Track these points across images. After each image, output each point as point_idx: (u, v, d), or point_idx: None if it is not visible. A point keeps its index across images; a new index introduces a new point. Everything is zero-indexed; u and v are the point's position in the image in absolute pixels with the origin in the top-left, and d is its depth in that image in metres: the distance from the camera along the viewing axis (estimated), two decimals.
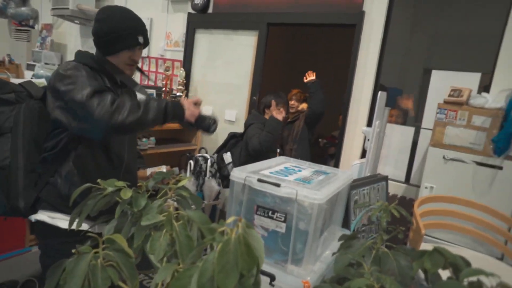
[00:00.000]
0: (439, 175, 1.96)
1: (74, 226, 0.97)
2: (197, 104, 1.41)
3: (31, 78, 3.90)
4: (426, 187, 1.99)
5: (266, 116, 2.65)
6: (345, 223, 1.61)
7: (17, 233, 2.30)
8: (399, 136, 2.63)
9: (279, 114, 2.49)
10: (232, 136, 2.83)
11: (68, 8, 4.34)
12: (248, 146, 2.49)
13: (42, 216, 1.37)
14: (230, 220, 0.61)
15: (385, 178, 1.82)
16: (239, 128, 3.46)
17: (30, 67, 4.83)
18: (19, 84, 1.43)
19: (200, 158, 3.16)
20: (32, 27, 5.43)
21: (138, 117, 1.27)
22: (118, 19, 1.43)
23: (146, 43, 1.51)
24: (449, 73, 2.37)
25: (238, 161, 2.65)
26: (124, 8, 1.49)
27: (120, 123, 1.24)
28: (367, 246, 1.03)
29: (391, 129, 2.60)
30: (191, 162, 3.13)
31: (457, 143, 1.90)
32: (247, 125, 2.66)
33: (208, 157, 3.18)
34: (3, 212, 1.37)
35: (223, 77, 3.59)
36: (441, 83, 2.37)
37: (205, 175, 3.11)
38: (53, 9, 4.56)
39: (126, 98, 1.33)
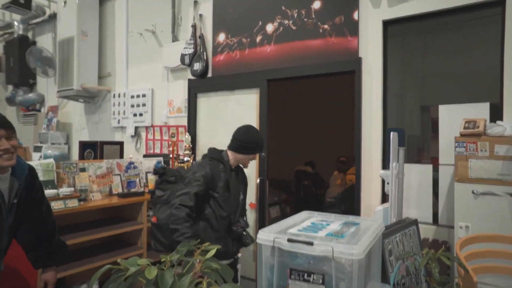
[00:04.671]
0: (472, 212, 1.85)
1: None
2: None
3: (39, 159, 3.93)
4: (461, 227, 1.86)
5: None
6: (383, 277, 1.47)
7: None
8: (417, 175, 2.55)
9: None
10: None
11: (72, 89, 4.51)
12: None
13: None
14: None
15: (415, 222, 1.72)
16: (250, 188, 3.38)
17: (37, 148, 4.90)
18: (176, 169, 2.31)
19: None
20: (39, 110, 5.61)
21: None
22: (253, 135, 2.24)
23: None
24: (455, 107, 2.36)
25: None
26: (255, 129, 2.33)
27: None
28: None
29: (408, 169, 2.53)
30: None
31: (484, 176, 1.82)
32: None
33: None
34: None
35: (229, 137, 3.58)
36: (449, 117, 2.35)
37: None
38: (58, 91, 4.74)
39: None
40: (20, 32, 5.64)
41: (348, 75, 2.92)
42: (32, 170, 1.67)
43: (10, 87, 6.01)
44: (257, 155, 2.33)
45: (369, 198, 2.71)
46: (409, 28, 2.77)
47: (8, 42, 5.83)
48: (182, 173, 2.22)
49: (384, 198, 2.62)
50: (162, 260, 0.96)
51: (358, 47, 2.81)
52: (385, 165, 2.65)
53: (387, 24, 2.73)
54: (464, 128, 1.95)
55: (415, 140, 2.82)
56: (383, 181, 2.63)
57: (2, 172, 1.51)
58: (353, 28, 2.84)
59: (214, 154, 2.20)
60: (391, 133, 2.13)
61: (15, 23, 5.67)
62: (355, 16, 2.83)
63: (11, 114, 6.22)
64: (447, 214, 2.35)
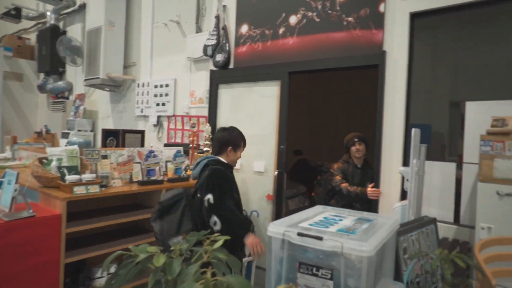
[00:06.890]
0: (495, 213, 1.77)
1: None
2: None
3: (65, 145, 4.08)
4: (482, 228, 1.79)
5: None
6: (397, 275, 1.45)
7: None
8: (439, 173, 2.47)
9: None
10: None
11: (98, 78, 4.64)
12: None
13: None
14: None
15: (433, 221, 1.67)
16: (268, 179, 3.39)
17: (65, 135, 5.08)
18: None
19: None
20: (67, 98, 5.81)
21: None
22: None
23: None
24: (484, 103, 2.25)
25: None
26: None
27: None
28: None
29: (430, 166, 2.45)
30: None
31: (510, 176, 1.74)
32: None
33: None
34: None
35: (248, 129, 3.58)
36: (477, 115, 2.25)
37: None
38: (85, 79, 4.88)
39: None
40: (52, 22, 5.83)
41: (372, 69, 2.84)
42: None
43: (42, 75, 6.25)
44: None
45: (388, 195, 2.65)
46: (438, 21, 2.65)
47: (41, 32, 6.04)
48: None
49: (404, 195, 2.56)
50: (172, 248, 0.97)
51: (383, 40, 2.73)
52: (406, 162, 2.58)
53: (414, 16, 2.63)
54: (492, 126, 1.86)
55: (441, 137, 2.73)
56: (403, 178, 2.56)
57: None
58: (378, 21, 2.76)
59: None
60: (413, 129, 2.07)
61: (48, 13, 5.87)
62: (381, 8, 2.75)
63: (41, 101, 6.47)
64: (469, 214, 2.27)
